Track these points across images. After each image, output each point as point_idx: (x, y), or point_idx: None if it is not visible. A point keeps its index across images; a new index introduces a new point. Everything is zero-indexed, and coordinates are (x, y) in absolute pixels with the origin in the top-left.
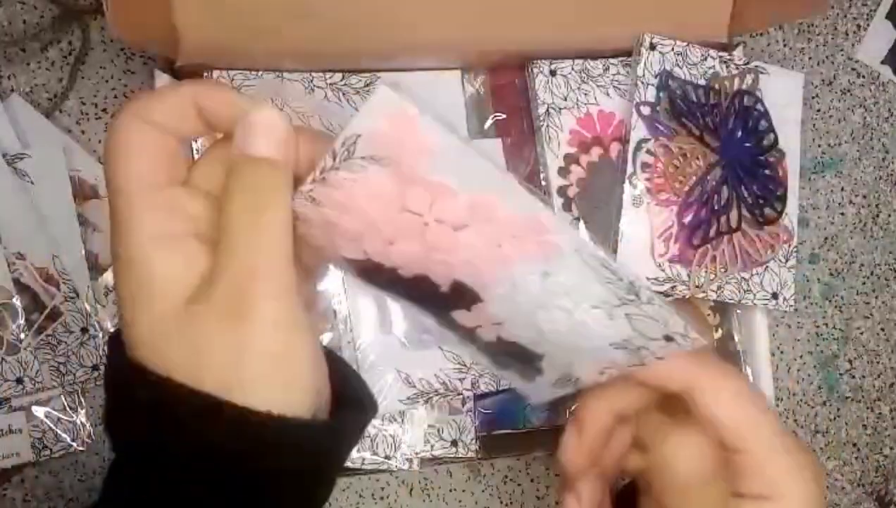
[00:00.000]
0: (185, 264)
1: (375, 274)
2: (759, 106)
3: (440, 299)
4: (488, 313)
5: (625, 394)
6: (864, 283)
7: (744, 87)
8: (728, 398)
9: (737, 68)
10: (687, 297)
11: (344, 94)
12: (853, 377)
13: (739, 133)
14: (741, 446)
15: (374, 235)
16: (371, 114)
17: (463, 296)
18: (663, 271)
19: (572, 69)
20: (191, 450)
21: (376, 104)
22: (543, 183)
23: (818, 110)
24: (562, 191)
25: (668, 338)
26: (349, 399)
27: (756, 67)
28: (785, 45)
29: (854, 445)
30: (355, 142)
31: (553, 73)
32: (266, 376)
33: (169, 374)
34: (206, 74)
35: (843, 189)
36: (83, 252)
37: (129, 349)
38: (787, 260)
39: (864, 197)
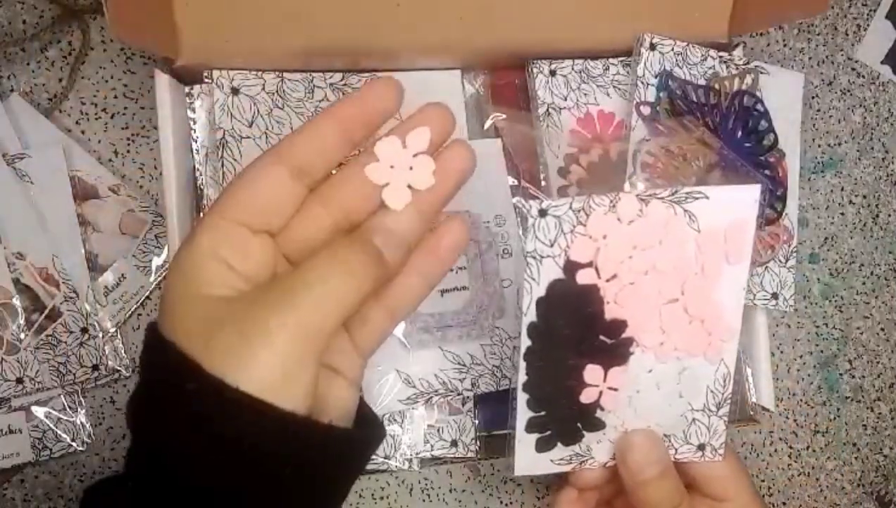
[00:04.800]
0: (229, 278)
1: (564, 301)
2: (759, 106)
3: (596, 348)
4: (618, 377)
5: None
6: (864, 283)
7: (744, 87)
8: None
9: (737, 68)
10: None
11: (344, 94)
12: (853, 377)
13: (739, 133)
14: (728, 494)
15: (636, 262)
16: (732, 194)
17: (620, 355)
18: None
19: (572, 69)
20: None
21: (745, 193)
22: (543, 183)
23: (818, 110)
24: (562, 191)
25: (702, 447)
26: (364, 419)
27: (756, 66)
28: (785, 45)
29: (854, 445)
30: (698, 198)
31: (553, 73)
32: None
33: (199, 360)
34: (205, 73)
35: (843, 189)
36: (83, 252)
37: (167, 335)
38: (787, 260)
39: (864, 197)
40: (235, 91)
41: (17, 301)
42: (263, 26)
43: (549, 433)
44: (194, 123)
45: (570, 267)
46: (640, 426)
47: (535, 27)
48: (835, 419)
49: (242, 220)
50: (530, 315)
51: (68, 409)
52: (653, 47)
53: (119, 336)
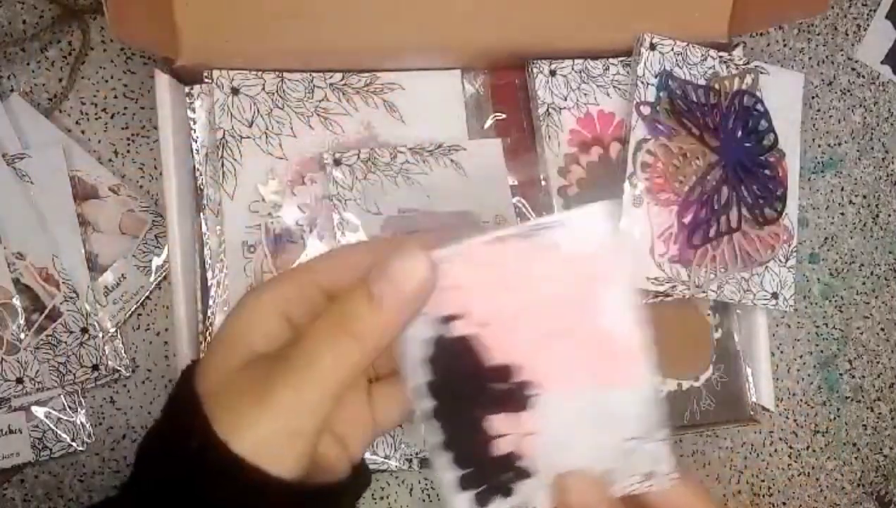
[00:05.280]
0: (268, 334)
1: (447, 357)
2: (759, 106)
3: (490, 397)
4: (529, 422)
5: None
6: (864, 283)
7: (744, 87)
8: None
9: (737, 68)
10: (687, 297)
11: (344, 94)
12: (853, 377)
13: (739, 133)
14: None
15: (507, 305)
16: (588, 216)
17: (517, 399)
18: (663, 270)
19: (572, 69)
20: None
21: (597, 212)
22: (543, 183)
23: (818, 110)
24: (562, 191)
25: (649, 475)
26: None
27: (756, 66)
28: (785, 45)
29: (854, 445)
30: (555, 227)
31: (553, 73)
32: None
33: (211, 415)
34: (205, 73)
35: (843, 189)
36: (83, 252)
37: (197, 385)
38: (787, 260)
39: (864, 197)
40: (235, 91)
41: (17, 301)
42: (263, 26)
43: (484, 487)
44: (194, 123)
45: (442, 321)
46: (572, 466)
47: (535, 27)
48: (835, 419)
49: (322, 286)
50: (425, 375)
51: (68, 409)
52: (653, 47)
53: (119, 336)
